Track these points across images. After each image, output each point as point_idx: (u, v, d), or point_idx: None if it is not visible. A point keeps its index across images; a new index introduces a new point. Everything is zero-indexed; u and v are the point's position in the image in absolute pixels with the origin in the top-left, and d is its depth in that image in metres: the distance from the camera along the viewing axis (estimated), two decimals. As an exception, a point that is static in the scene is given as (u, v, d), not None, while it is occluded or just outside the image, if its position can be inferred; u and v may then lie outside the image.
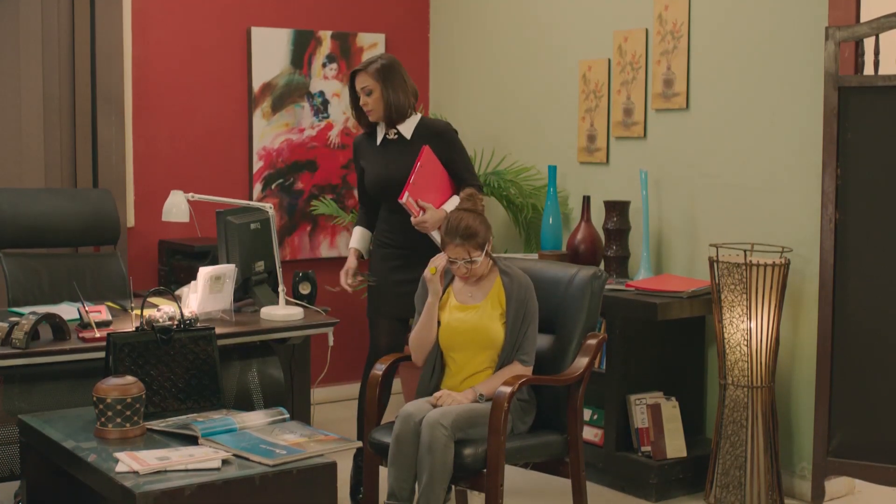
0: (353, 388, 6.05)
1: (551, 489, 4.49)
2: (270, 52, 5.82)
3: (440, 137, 4.32)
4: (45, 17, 5.15)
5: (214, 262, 4.49)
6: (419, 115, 4.39)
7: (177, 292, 4.20)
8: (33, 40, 5.14)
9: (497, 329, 3.79)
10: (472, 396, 3.72)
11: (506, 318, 3.79)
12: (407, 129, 4.32)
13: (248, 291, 4.36)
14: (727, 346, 4.41)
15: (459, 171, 4.32)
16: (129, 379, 3.25)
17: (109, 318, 3.94)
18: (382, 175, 4.32)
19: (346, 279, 4.42)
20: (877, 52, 4.17)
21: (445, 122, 4.62)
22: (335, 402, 6.05)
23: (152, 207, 5.36)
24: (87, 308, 3.86)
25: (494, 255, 3.96)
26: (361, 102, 4.30)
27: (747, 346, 4.35)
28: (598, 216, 5.15)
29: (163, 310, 3.81)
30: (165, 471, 2.89)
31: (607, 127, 5.31)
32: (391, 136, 4.34)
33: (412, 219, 4.19)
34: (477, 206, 3.93)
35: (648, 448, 4.60)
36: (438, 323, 3.86)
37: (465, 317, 3.82)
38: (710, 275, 4.46)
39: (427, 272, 3.85)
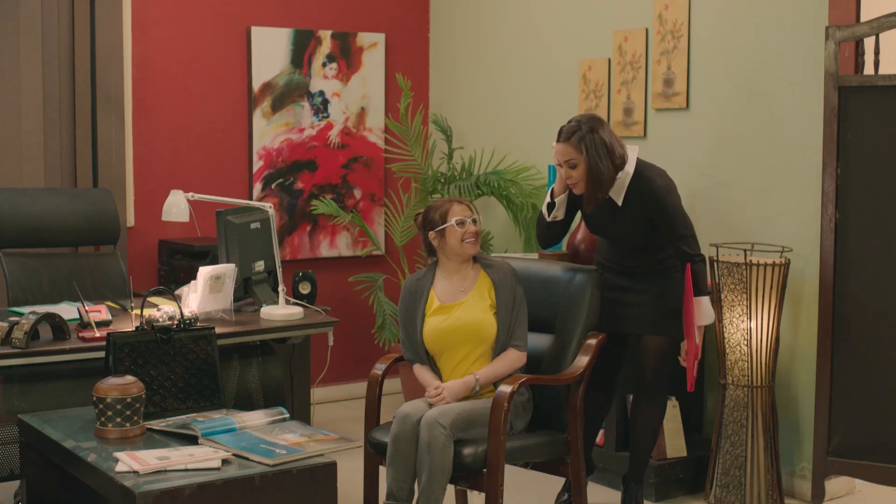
0: (353, 388, 6.08)
1: (551, 489, 4.49)
2: (270, 51, 5.82)
3: (649, 198, 3.95)
4: (45, 17, 5.15)
5: (214, 261, 4.49)
6: (630, 172, 3.94)
7: (177, 292, 4.20)
8: (33, 40, 5.13)
9: (488, 320, 3.79)
10: (472, 383, 3.73)
11: (496, 309, 3.80)
12: (617, 193, 3.93)
13: (248, 291, 4.36)
14: (727, 346, 4.41)
15: (663, 227, 3.97)
16: (129, 379, 3.26)
17: (109, 317, 3.94)
18: (599, 229, 4.09)
19: None
20: (877, 52, 4.17)
21: (660, 171, 4.05)
22: (335, 402, 6.05)
23: (152, 207, 5.36)
24: (87, 308, 3.86)
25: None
26: (564, 175, 3.91)
27: (747, 345, 4.35)
28: (598, 216, 5.15)
29: (163, 309, 3.81)
30: (165, 470, 2.89)
31: (607, 127, 5.31)
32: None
33: None
34: None
35: (648, 448, 4.60)
36: (422, 329, 3.86)
37: (449, 316, 3.82)
38: (710, 275, 4.46)
39: None
